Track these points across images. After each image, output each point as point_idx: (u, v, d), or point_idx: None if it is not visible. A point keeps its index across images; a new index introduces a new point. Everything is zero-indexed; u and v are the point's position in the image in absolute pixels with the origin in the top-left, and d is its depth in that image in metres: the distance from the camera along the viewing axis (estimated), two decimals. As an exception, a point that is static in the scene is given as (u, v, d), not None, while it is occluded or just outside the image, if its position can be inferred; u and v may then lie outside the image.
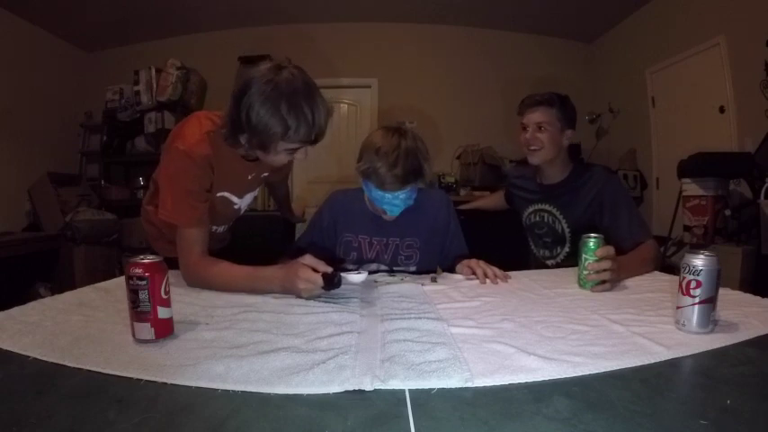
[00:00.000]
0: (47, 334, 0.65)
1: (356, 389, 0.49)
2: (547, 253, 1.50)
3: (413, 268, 1.29)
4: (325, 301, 0.86)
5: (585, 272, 0.96)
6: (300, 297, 0.88)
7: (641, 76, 3.74)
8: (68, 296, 0.88)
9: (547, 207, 1.45)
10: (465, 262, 1.16)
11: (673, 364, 0.57)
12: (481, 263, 1.11)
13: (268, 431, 0.42)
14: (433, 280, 1.10)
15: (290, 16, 4.04)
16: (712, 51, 2.98)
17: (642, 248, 1.17)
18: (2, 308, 0.74)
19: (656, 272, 1.13)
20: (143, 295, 0.63)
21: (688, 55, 3.23)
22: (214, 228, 1.18)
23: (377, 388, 0.50)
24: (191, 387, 0.50)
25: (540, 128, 1.35)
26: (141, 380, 0.51)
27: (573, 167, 1.42)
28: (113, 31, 3.99)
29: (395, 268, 1.29)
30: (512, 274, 1.11)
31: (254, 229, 1.61)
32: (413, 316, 0.76)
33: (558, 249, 1.45)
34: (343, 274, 0.90)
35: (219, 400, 0.48)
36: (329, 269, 0.87)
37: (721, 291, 0.68)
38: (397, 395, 0.48)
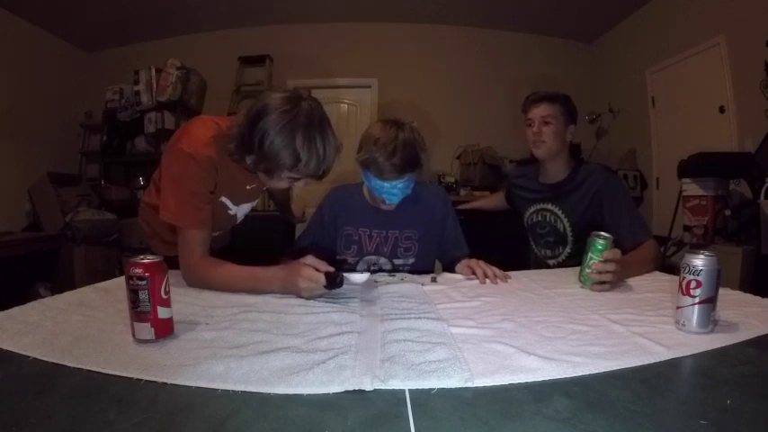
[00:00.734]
0: (47, 334, 0.65)
1: (356, 389, 0.49)
2: (549, 253, 1.50)
3: (412, 260, 1.31)
4: (326, 301, 0.86)
5: (588, 270, 0.96)
6: (301, 297, 0.87)
7: (641, 76, 3.74)
8: (68, 296, 0.88)
9: (549, 207, 1.45)
10: (465, 262, 1.18)
11: (673, 364, 0.57)
12: (481, 263, 1.12)
13: (268, 431, 0.41)
14: (434, 280, 1.10)
15: (290, 16, 4.04)
16: (712, 51, 2.98)
17: (642, 248, 1.18)
18: (2, 308, 0.74)
19: (656, 272, 1.13)
20: (143, 295, 0.63)
21: (688, 55, 3.23)
22: None
23: (377, 388, 0.50)
24: (191, 387, 0.50)
25: (545, 122, 1.38)
26: (141, 380, 0.51)
27: (573, 166, 1.43)
28: (113, 31, 3.99)
29: (394, 260, 1.31)
30: (512, 274, 1.12)
31: (254, 229, 1.61)
32: (413, 316, 0.76)
33: (560, 249, 1.46)
34: (345, 274, 0.90)
35: (219, 400, 0.48)
36: (331, 269, 0.88)
37: (721, 291, 0.68)
38: (397, 395, 0.48)
